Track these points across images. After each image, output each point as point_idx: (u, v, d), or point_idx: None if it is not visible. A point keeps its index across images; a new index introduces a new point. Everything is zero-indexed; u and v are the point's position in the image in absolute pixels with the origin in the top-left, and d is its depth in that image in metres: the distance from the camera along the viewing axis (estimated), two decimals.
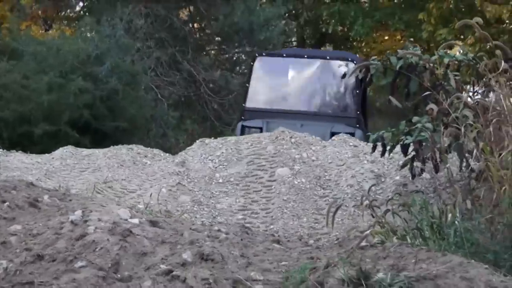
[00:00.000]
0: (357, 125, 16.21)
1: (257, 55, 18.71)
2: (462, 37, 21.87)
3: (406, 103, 8.19)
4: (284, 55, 19.05)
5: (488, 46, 6.80)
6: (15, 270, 5.34)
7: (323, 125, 15.75)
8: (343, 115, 16.74)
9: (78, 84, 18.30)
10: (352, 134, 14.68)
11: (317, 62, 18.16)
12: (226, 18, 23.19)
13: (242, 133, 15.87)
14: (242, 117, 16.93)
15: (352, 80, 16.21)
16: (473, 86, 7.74)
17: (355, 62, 17.01)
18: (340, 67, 16.68)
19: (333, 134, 14.52)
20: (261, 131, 14.89)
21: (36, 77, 18.57)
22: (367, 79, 8.24)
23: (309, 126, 15.24)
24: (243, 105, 17.35)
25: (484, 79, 6.86)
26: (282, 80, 18.49)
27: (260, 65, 18.31)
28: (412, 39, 12.69)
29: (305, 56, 18.68)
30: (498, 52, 6.42)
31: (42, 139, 16.66)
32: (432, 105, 7.16)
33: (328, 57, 18.53)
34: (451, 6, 21.97)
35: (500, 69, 6.18)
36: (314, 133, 13.69)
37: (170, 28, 25.05)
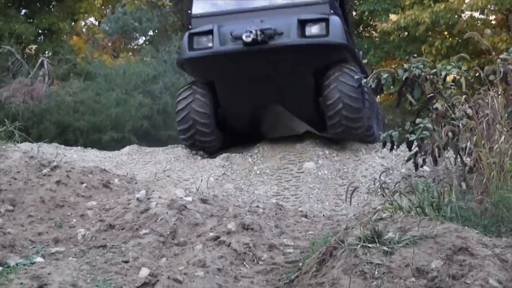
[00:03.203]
0: (331, 11, 11.23)
1: None
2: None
3: (411, 107, 8.19)
4: None
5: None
6: (92, 237, 5.42)
7: (287, 16, 11.05)
8: (311, 2, 11.40)
9: (138, 99, 18.48)
10: (326, 21, 10.91)
11: None
12: None
13: (190, 43, 11.38)
14: (190, 26, 11.86)
15: None
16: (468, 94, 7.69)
17: None
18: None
19: (302, 22, 10.91)
20: (212, 37, 11.10)
21: (106, 94, 18.81)
22: (378, 87, 8.23)
23: (271, 20, 10.98)
24: (189, 11, 12.10)
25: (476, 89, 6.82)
26: None
27: None
28: (415, 55, 12.37)
29: None
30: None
31: (110, 144, 16.79)
32: (438, 105, 7.22)
33: None
34: (451, 42, 21.76)
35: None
36: (278, 26, 10.78)
37: None
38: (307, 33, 10.96)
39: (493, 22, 22.58)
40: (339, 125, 11.07)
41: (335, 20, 11.02)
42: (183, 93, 11.97)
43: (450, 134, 6.44)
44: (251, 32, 10.62)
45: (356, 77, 10.52)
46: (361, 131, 10.98)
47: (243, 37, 10.64)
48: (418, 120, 7.73)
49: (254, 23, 10.87)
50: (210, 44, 11.14)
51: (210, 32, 11.15)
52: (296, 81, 11.19)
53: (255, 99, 11.55)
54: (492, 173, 5.20)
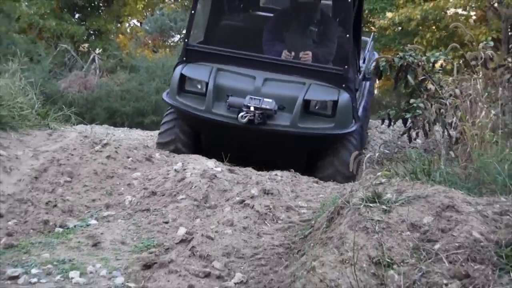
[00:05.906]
0: (343, 85, 8.04)
1: None
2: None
3: (405, 90, 8.18)
4: None
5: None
6: (137, 202, 5.44)
7: (294, 84, 8.14)
8: (325, 69, 8.30)
9: None
10: (335, 103, 7.97)
11: None
12: None
13: (181, 84, 8.32)
14: (184, 58, 8.54)
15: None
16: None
17: None
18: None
19: (307, 102, 8.00)
20: (207, 87, 8.13)
21: (147, 83, 18.78)
22: (378, 73, 8.21)
23: (275, 84, 8.16)
24: (186, 41, 8.65)
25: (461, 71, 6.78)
26: (245, 14, 9.95)
27: None
28: (409, 45, 12.05)
29: None
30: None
31: (151, 126, 16.80)
32: (431, 86, 7.20)
33: None
34: (439, 35, 21.56)
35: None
36: (281, 98, 7.99)
37: None
38: (311, 110, 8.14)
39: (474, 17, 22.38)
40: None
41: (345, 101, 8.08)
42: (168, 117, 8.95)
43: (438, 111, 6.41)
44: (248, 108, 7.89)
45: (354, 153, 8.26)
46: None
47: (238, 117, 7.92)
48: (412, 101, 7.75)
49: (255, 86, 8.12)
50: (204, 90, 8.25)
51: (206, 84, 8.21)
52: (290, 154, 8.55)
53: (244, 152, 8.55)
54: (475, 143, 5.17)
